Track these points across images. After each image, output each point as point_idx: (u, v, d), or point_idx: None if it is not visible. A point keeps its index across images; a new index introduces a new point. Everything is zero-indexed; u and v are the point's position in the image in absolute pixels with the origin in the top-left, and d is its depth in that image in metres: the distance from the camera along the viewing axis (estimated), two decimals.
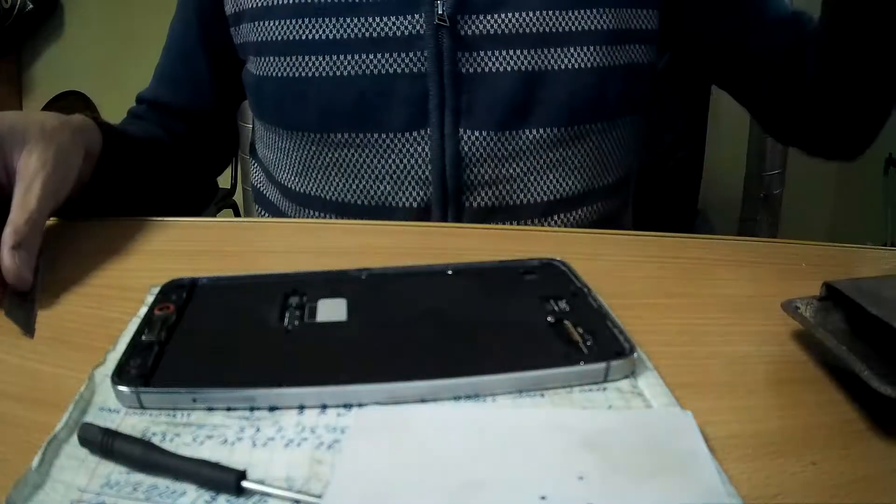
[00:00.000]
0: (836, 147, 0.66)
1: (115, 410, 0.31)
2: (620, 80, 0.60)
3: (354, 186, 0.61)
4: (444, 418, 0.30)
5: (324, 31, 0.57)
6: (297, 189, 0.65)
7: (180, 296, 0.39)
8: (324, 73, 0.58)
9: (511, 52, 0.57)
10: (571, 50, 0.57)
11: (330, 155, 0.61)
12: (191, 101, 0.70)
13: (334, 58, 0.57)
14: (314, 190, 0.63)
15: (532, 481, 0.26)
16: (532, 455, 0.28)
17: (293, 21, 0.58)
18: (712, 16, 0.63)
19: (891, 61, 0.55)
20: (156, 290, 0.40)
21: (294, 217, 0.67)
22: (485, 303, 0.39)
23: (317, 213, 0.64)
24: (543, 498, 0.25)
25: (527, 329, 0.36)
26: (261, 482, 0.27)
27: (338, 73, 0.58)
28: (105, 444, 0.28)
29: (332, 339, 0.36)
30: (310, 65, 0.58)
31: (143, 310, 0.38)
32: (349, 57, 0.57)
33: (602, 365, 0.33)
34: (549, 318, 0.37)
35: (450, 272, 0.42)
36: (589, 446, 0.28)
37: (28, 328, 0.38)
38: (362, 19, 0.57)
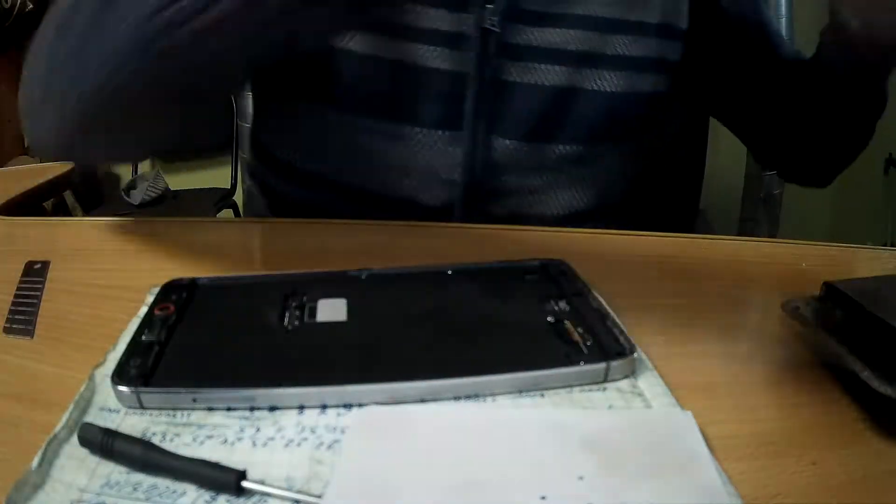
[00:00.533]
0: (808, 176, 0.73)
1: (115, 410, 0.31)
2: (643, 106, 0.61)
3: (377, 176, 0.60)
4: (444, 418, 0.30)
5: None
6: (309, 169, 0.62)
7: (180, 296, 0.39)
8: (364, 51, 0.56)
9: (551, 67, 0.57)
10: (606, 73, 0.58)
11: (357, 138, 0.60)
12: None
13: (378, 38, 0.56)
14: (329, 172, 0.62)
15: (532, 481, 0.26)
16: (532, 455, 0.28)
17: None
18: (734, 57, 0.65)
19: (862, 114, 0.62)
20: (156, 290, 0.40)
21: (296, 200, 0.65)
22: (485, 303, 0.39)
23: (326, 197, 0.62)
24: (543, 498, 0.25)
25: (527, 329, 0.36)
26: (261, 482, 0.27)
27: (378, 55, 0.56)
28: (105, 444, 0.28)
29: (332, 339, 0.36)
30: (351, 38, 0.56)
31: (143, 310, 0.38)
32: (392, 41, 0.56)
33: (602, 365, 0.33)
34: (549, 319, 0.37)
35: (450, 272, 0.42)
36: (589, 446, 0.28)
37: (28, 329, 0.38)
38: (411, 6, 0.56)
